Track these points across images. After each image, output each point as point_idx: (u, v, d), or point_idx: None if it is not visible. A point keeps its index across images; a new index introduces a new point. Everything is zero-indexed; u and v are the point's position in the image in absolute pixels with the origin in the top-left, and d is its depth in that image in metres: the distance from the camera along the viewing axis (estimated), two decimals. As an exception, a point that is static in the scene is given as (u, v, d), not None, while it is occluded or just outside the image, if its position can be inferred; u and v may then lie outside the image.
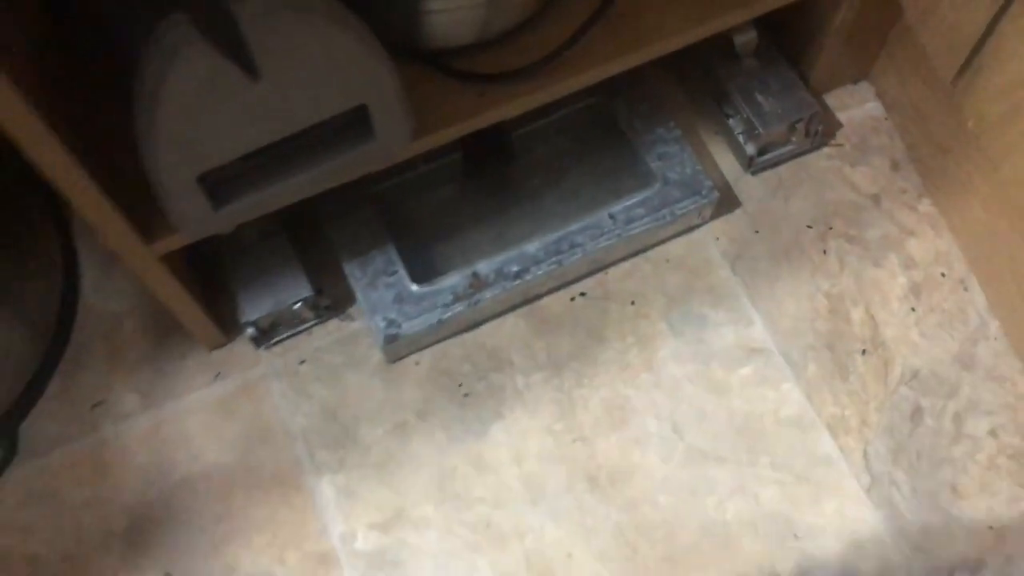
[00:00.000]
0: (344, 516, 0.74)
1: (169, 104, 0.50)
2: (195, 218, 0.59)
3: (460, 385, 0.78)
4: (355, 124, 0.60)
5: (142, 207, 0.60)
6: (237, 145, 0.55)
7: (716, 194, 0.78)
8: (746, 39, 0.80)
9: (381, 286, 0.75)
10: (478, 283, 0.75)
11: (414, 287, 0.75)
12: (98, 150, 0.59)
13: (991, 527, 0.72)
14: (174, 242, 0.62)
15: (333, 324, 0.80)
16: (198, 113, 0.52)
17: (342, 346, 0.79)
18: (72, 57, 0.65)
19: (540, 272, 0.76)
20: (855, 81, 0.87)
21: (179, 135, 0.52)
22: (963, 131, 0.73)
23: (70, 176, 0.53)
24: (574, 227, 0.76)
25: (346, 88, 0.55)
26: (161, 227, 0.62)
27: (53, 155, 0.52)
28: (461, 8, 0.62)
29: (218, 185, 0.58)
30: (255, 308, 0.75)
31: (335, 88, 0.55)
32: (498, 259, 0.75)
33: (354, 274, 0.76)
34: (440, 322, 0.75)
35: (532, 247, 0.76)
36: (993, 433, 0.75)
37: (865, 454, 0.75)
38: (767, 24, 0.80)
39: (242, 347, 0.79)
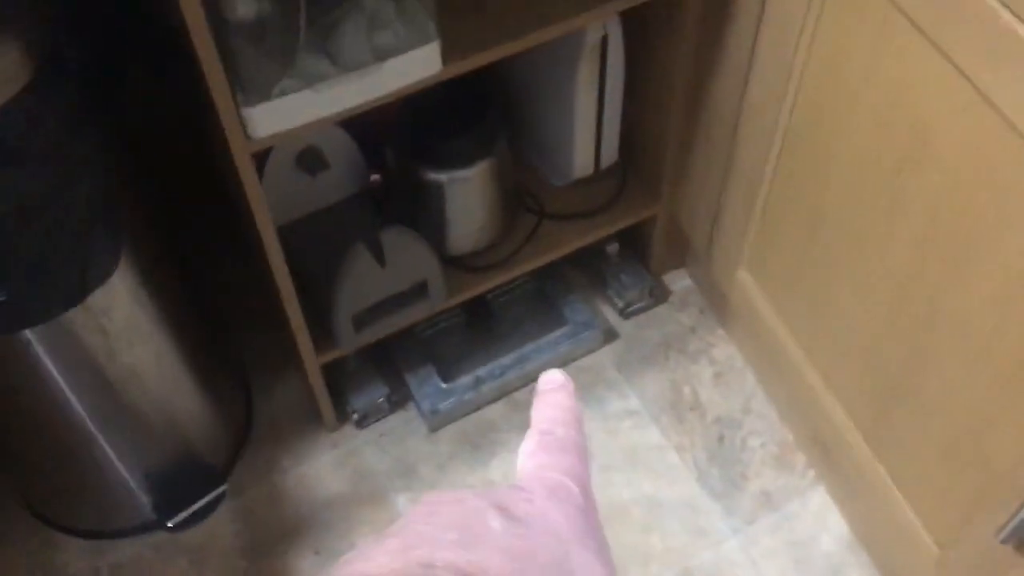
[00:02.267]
0: (412, 514, 1.33)
1: (348, 278, 1.16)
2: (346, 339, 1.23)
3: (471, 441, 1.39)
4: (417, 291, 1.25)
5: (315, 334, 1.24)
6: (370, 298, 1.21)
7: (603, 330, 1.45)
8: (612, 247, 1.49)
9: (427, 385, 1.38)
10: (479, 380, 1.39)
11: (444, 385, 1.38)
12: (305, 304, 1.23)
13: (763, 493, 1.34)
14: (332, 355, 1.26)
15: (398, 414, 1.42)
16: (358, 284, 1.17)
17: (403, 425, 1.41)
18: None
19: (512, 375, 1.40)
20: (678, 267, 1.56)
21: (349, 294, 1.18)
22: (725, 283, 1.41)
23: (295, 313, 1.18)
24: (527, 348, 1.42)
25: (420, 272, 1.22)
26: (325, 345, 1.25)
27: (292, 304, 1.16)
28: (465, 236, 1.31)
29: (358, 320, 1.23)
30: (357, 402, 1.37)
31: (417, 271, 1.21)
32: (488, 367, 1.40)
33: (411, 380, 1.39)
34: (461, 402, 1.38)
35: (506, 360, 1.40)
36: (762, 446, 1.38)
37: (695, 461, 1.37)
38: (624, 237, 1.49)
39: (347, 431, 1.41)
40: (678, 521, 1.32)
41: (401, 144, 1.26)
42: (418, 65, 1.00)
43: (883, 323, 1.03)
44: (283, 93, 0.95)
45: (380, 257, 1.17)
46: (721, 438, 1.39)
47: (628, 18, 1.18)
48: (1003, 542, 0.90)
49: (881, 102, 0.94)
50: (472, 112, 1.26)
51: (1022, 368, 0.87)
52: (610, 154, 1.37)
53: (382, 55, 0.98)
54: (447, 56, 1.02)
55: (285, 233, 1.31)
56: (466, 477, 1.36)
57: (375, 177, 1.32)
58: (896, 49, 0.89)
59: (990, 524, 0.94)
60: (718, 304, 1.48)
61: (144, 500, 1.28)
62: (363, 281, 1.18)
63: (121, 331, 1.08)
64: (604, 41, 1.21)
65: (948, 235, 0.90)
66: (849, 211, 1.03)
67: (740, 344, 1.46)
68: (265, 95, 0.95)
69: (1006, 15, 0.76)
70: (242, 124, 0.95)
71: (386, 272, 1.19)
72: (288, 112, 0.97)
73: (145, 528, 1.30)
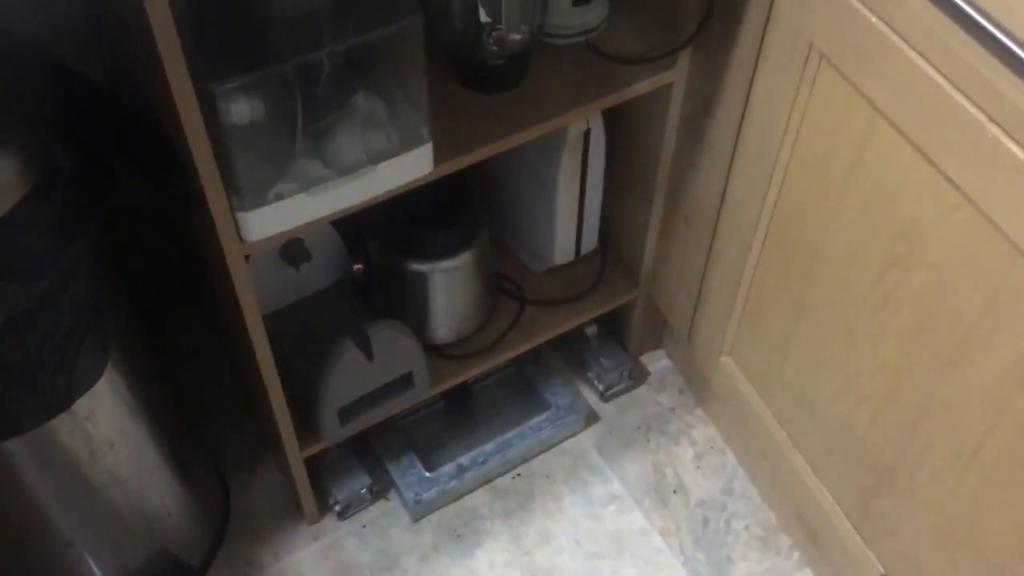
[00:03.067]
0: (396, 609, 1.31)
1: (335, 372, 1.15)
2: (331, 432, 1.22)
3: (455, 531, 1.38)
4: (402, 382, 1.24)
5: (298, 427, 1.22)
6: (357, 391, 1.20)
7: (585, 413, 1.45)
8: (591, 329, 1.50)
9: (408, 474, 1.37)
10: (462, 468, 1.38)
11: (427, 473, 1.37)
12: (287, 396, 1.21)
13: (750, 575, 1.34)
14: (316, 448, 1.24)
15: (380, 504, 1.40)
16: (345, 377, 1.16)
17: (386, 515, 1.39)
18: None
19: (494, 461, 1.39)
20: (656, 348, 1.57)
21: (335, 388, 1.17)
22: (707, 368, 1.42)
23: (281, 408, 1.16)
24: (510, 434, 1.41)
25: (405, 364, 1.21)
26: (309, 439, 1.23)
27: (278, 398, 1.14)
28: (449, 326, 1.30)
29: (344, 413, 1.21)
30: (339, 493, 1.35)
31: (403, 363, 1.20)
32: (471, 455, 1.39)
33: (393, 469, 1.37)
34: (444, 491, 1.36)
35: (489, 447, 1.40)
36: (747, 528, 1.38)
37: (680, 545, 1.37)
38: (603, 320, 1.50)
39: (328, 522, 1.38)
40: (666, 608, 1.31)
41: (385, 235, 1.26)
42: (410, 167, 1.01)
43: (872, 414, 1.05)
44: (279, 197, 0.95)
45: (368, 351, 1.16)
46: (705, 521, 1.39)
47: (610, 111, 1.20)
48: (1003, 636, 0.91)
49: (866, 203, 0.96)
50: (455, 203, 1.27)
51: (1015, 460, 0.89)
52: (590, 240, 1.39)
53: (376, 158, 0.98)
54: (438, 157, 1.02)
55: (266, 323, 1.30)
56: (450, 569, 1.34)
57: (358, 267, 1.31)
58: (880, 151, 0.92)
59: (987, 617, 0.95)
60: (696, 384, 1.49)
61: (119, 604, 1.24)
62: (350, 375, 1.17)
63: (104, 435, 1.06)
64: (587, 135, 1.23)
65: (939, 333, 0.92)
66: (836, 306, 1.05)
67: (720, 425, 1.47)
68: (261, 199, 0.94)
69: (993, 129, 0.79)
70: (236, 227, 0.95)
71: (373, 365, 1.18)
72: (283, 215, 0.96)
73: (120, 633, 1.26)
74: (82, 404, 0.99)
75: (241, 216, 0.94)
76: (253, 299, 1.02)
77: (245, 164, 0.92)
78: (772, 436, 1.25)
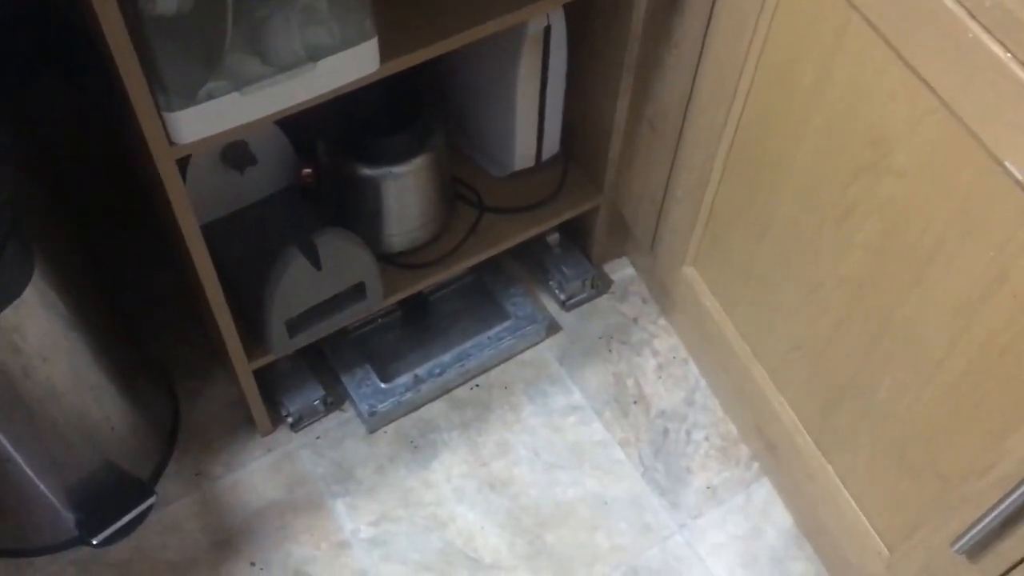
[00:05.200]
0: (351, 519, 1.28)
1: (282, 283, 1.10)
2: (280, 344, 1.17)
3: (411, 442, 1.35)
4: (354, 292, 1.20)
5: (246, 339, 1.18)
6: (306, 303, 1.15)
7: (546, 323, 1.41)
8: (553, 237, 1.45)
9: (363, 386, 1.33)
10: (418, 380, 1.34)
11: (383, 385, 1.33)
12: (233, 307, 1.16)
13: (708, 487, 1.33)
14: (264, 360, 1.20)
15: (335, 415, 1.36)
16: (293, 289, 1.11)
17: (340, 427, 1.36)
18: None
19: (452, 372, 1.36)
20: (619, 256, 1.53)
21: (283, 299, 1.12)
22: (669, 278, 1.38)
23: (225, 318, 1.11)
24: (468, 345, 1.37)
25: (356, 274, 1.16)
26: (257, 352, 1.19)
27: (221, 309, 1.09)
28: (403, 234, 1.25)
29: (293, 325, 1.17)
30: (292, 405, 1.32)
31: (354, 273, 1.16)
32: (427, 365, 1.35)
33: (347, 381, 1.34)
34: (399, 403, 1.33)
35: (446, 357, 1.36)
36: (707, 439, 1.37)
37: (640, 456, 1.35)
38: (566, 227, 1.45)
39: (281, 434, 1.35)
40: (624, 519, 1.30)
41: (333, 139, 1.20)
42: (355, 64, 0.94)
43: (834, 327, 1.02)
44: (210, 96, 0.88)
45: (316, 261, 1.11)
46: (665, 432, 1.37)
47: (572, 6, 1.13)
48: (957, 552, 0.90)
49: (837, 107, 0.91)
50: (407, 105, 1.20)
51: (976, 378, 0.86)
52: (552, 145, 1.33)
53: (316, 54, 0.91)
54: (385, 54, 0.96)
55: (210, 231, 1.24)
56: (406, 479, 1.32)
57: (307, 171, 1.25)
58: (854, 53, 0.87)
59: (943, 532, 0.94)
60: (660, 294, 1.46)
61: (66, 516, 1.21)
62: (298, 286, 1.12)
63: (35, 347, 1.01)
64: (547, 31, 1.16)
65: (905, 244, 0.88)
66: (801, 216, 1.01)
67: (683, 335, 1.44)
68: (190, 99, 0.88)
69: (974, 26, 0.73)
70: (165, 129, 0.88)
71: (322, 275, 1.13)
72: (215, 116, 0.90)
73: (68, 545, 1.24)
74: (7, 316, 0.93)
75: (169, 117, 0.87)
76: (189, 207, 0.96)
77: (172, 60, 0.85)
78: (733, 348, 1.22)
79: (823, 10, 0.88)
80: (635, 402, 1.40)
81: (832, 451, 1.11)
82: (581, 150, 1.35)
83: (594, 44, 1.20)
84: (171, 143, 0.89)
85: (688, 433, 1.37)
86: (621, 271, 1.52)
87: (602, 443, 1.36)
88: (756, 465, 1.34)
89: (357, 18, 0.92)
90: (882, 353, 0.96)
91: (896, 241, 0.89)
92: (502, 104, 1.25)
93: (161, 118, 0.87)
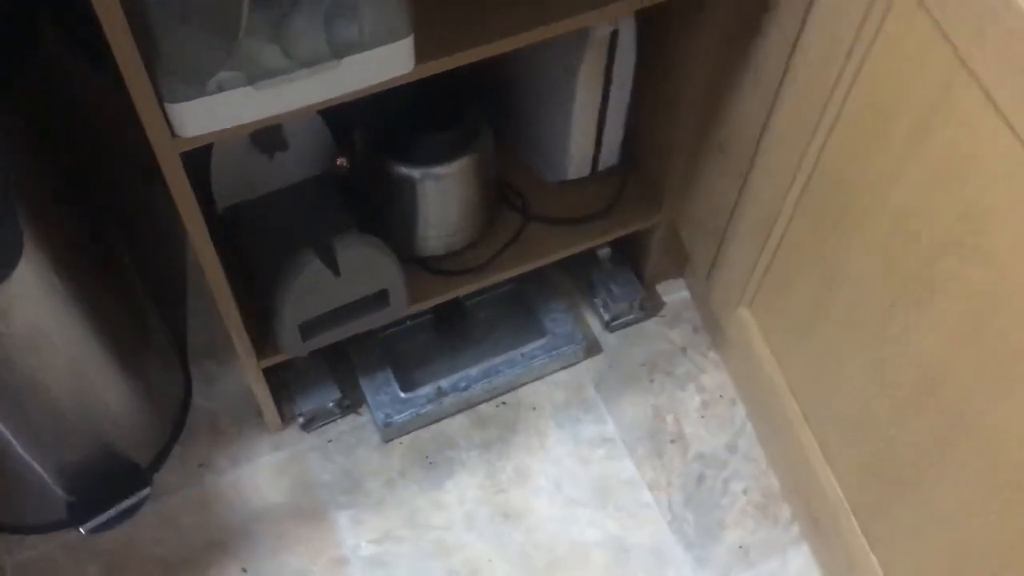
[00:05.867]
0: (353, 535, 1.21)
1: (296, 287, 1.01)
2: (292, 345, 1.09)
3: (426, 457, 1.26)
4: (378, 298, 1.11)
5: (259, 331, 1.10)
6: (322, 307, 1.06)
7: (585, 344, 1.31)
8: (604, 252, 1.34)
9: (382, 393, 1.25)
10: (441, 392, 1.25)
11: (402, 394, 1.25)
12: (242, 307, 1.09)
13: (740, 546, 1.22)
14: (274, 360, 1.12)
15: (351, 418, 1.29)
16: (308, 292, 1.03)
17: (354, 432, 1.28)
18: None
19: (478, 388, 1.26)
20: (675, 277, 1.41)
21: (296, 302, 1.03)
22: (723, 316, 1.27)
23: (232, 315, 1.03)
24: (498, 360, 1.28)
25: (379, 281, 1.07)
26: (267, 350, 1.11)
27: (227, 307, 1.01)
28: (438, 238, 1.15)
29: (307, 327, 1.09)
30: (305, 404, 1.24)
31: (377, 281, 1.07)
32: (453, 377, 1.26)
33: (366, 385, 1.25)
34: (418, 415, 1.24)
35: (474, 371, 1.27)
36: (745, 492, 1.25)
37: (670, 502, 1.24)
38: (619, 240, 1.34)
39: (292, 432, 1.28)
40: (643, 570, 1.20)
41: (372, 131, 1.10)
42: (384, 64, 0.84)
43: (897, 411, 0.90)
44: (220, 88, 0.79)
45: (334, 266, 1.02)
46: (701, 478, 1.26)
47: (645, 10, 1.01)
48: None
49: (930, 169, 0.78)
50: (454, 100, 1.10)
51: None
52: (610, 156, 1.22)
53: (342, 50, 0.81)
54: (423, 54, 0.85)
55: (233, 214, 1.16)
56: (416, 498, 1.23)
57: (342, 160, 1.16)
58: (958, 114, 0.73)
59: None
60: (713, 326, 1.34)
61: (58, 496, 1.15)
62: (313, 290, 1.04)
63: (25, 330, 0.94)
64: (614, 36, 1.04)
65: (991, 337, 0.76)
66: (875, 281, 0.88)
67: (733, 373, 1.32)
68: (197, 89, 0.78)
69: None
70: (167, 119, 0.80)
71: (340, 281, 1.04)
72: (226, 110, 0.80)
73: (60, 526, 1.18)
74: (3, 289, 0.87)
75: (172, 108, 0.78)
76: (192, 202, 0.88)
77: (177, 44, 0.76)
78: (783, 405, 1.10)
79: (927, 59, 0.74)
80: (672, 441, 1.29)
81: (879, 544, 0.99)
82: (642, 164, 1.24)
83: (666, 51, 1.08)
84: (173, 135, 0.81)
85: (726, 483, 1.26)
86: (675, 293, 1.41)
87: (630, 482, 1.26)
88: (796, 528, 1.23)
89: (393, 13, 0.82)
90: (949, 452, 0.84)
91: (982, 332, 0.77)
92: (558, 108, 1.14)
93: (162, 108, 0.78)
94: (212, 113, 0.80)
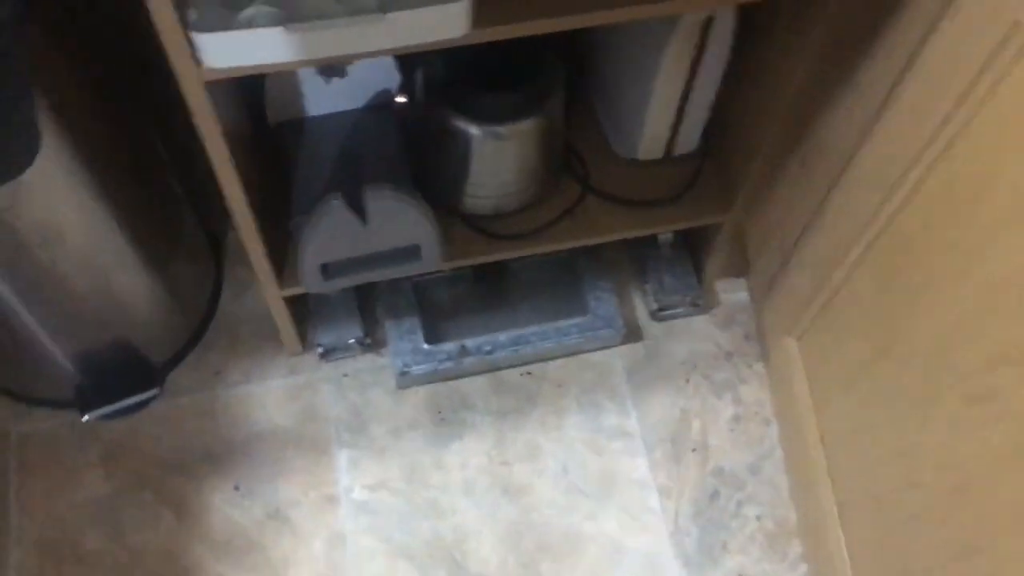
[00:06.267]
0: (349, 476, 1.19)
1: (321, 229, 0.97)
2: (312, 283, 1.05)
3: (439, 412, 1.23)
4: (409, 251, 1.05)
5: (283, 267, 1.06)
6: (347, 252, 1.02)
7: (624, 330, 1.24)
8: (666, 237, 1.25)
9: (405, 340, 1.21)
10: (465, 352, 1.21)
11: (425, 345, 1.21)
12: (268, 235, 1.05)
13: (739, 574, 1.16)
14: (295, 291, 1.09)
15: (370, 357, 1.25)
16: (333, 236, 0.98)
17: (372, 372, 1.25)
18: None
19: (504, 353, 1.21)
20: (738, 275, 1.32)
21: (320, 244, 0.99)
22: (770, 336, 1.18)
23: (253, 243, 0.99)
24: (531, 330, 1.22)
25: (411, 236, 1.02)
26: (291, 280, 1.08)
27: (250, 231, 0.97)
28: (489, 198, 1.09)
29: (329, 268, 1.04)
30: (326, 336, 1.21)
31: (408, 235, 1.01)
32: (480, 339, 1.21)
33: (390, 329, 1.21)
34: (436, 371, 1.20)
35: (502, 337, 1.21)
36: (758, 519, 1.19)
37: (676, 512, 1.19)
38: (682, 231, 1.25)
39: (310, 358, 1.25)
40: (633, 576, 1.15)
41: (435, 75, 1.03)
42: (436, 23, 0.77)
43: (922, 506, 0.81)
44: (250, 24, 0.73)
45: (362, 215, 0.97)
46: (715, 494, 1.20)
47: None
48: None
49: (1013, 262, 0.68)
50: (529, 54, 1.02)
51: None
52: (688, 143, 1.12)
53: (389, 4, 0.74)
54: (481, 18, 0.77)
55: (278, 131, 1.11)
56: (420, 452, 1.20)
57: (402, 100, 1.09)
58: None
59: None
60: (763, 340, 1.25)
61: (70, 375, 1.16)
62: (339, 234, 0.99)
63: (40, 223, 0.92)
64: (708, 22, 0.94)
65: (1035, 468, 0.67)
66: (929, 362, 0.79)
67: (775, 392, 1.24)
68: (225, 22, 0.73)
69: None
70: (191, 47, 0.74)
71: (368, 231, 0.99)
72: (254, 47, 0.75)
73: (65, 404, 1.19)
74: (13, 186, 0.84)
75: (197, 37, 0.73)
76: (217, 133, 0.83)
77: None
78: (809, 450, 1.02)
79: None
80: (694, 449, 1.22)
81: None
82: (720, 158, 1.14)
83: (765, 53, 0.97)
84: (197, 63, 0.75)
85: (740, 504, 1.19)
86: (734, 293, 1.32)
87: (640, 483, 1.20)
88: (804, 568, 1.16)
89: (452, -30, 0.74)
90: (987, 558, 0.76)
91: (1026, 457, 0.68)
92: (639, 86, 1.05)
93: (187, 36, 0.73)
94: (239, 48, 0.75)
